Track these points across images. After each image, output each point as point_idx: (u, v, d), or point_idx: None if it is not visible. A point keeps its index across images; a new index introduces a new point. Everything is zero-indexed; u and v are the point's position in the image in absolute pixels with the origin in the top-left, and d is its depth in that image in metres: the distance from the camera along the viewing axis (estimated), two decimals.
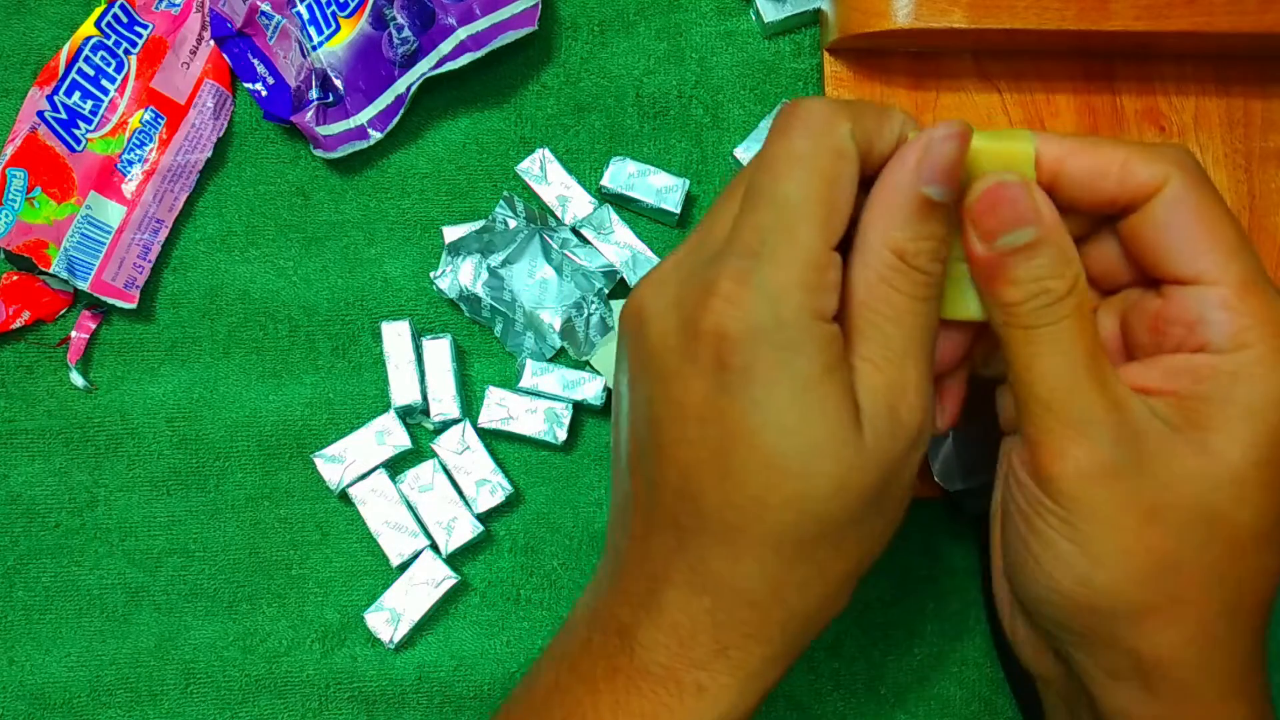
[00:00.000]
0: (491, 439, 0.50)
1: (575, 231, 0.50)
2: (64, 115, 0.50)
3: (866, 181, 0.32)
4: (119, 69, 0.50)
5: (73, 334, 0.50)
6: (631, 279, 0.49)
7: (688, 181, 0.50)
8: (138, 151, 0.50)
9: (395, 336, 0.49)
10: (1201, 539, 0.31)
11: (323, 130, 0.49)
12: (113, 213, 0.50)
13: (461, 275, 0.49)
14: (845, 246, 0.32)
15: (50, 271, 0.48)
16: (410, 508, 0.49)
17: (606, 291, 0.49)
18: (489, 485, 0.48)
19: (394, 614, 0.48)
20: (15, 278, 0.50)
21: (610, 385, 0.49)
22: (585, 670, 0.35)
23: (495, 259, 0.49)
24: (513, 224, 0.50)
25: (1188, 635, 0.32)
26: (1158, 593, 0.32)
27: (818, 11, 0.51)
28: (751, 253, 0.31)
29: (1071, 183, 0.32)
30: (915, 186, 0.31)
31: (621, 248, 0.49)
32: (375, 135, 0.50)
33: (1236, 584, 0.32)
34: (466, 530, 0.48)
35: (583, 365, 0.50)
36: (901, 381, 0.31)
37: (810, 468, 0.31)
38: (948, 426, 0.35)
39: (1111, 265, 0.34)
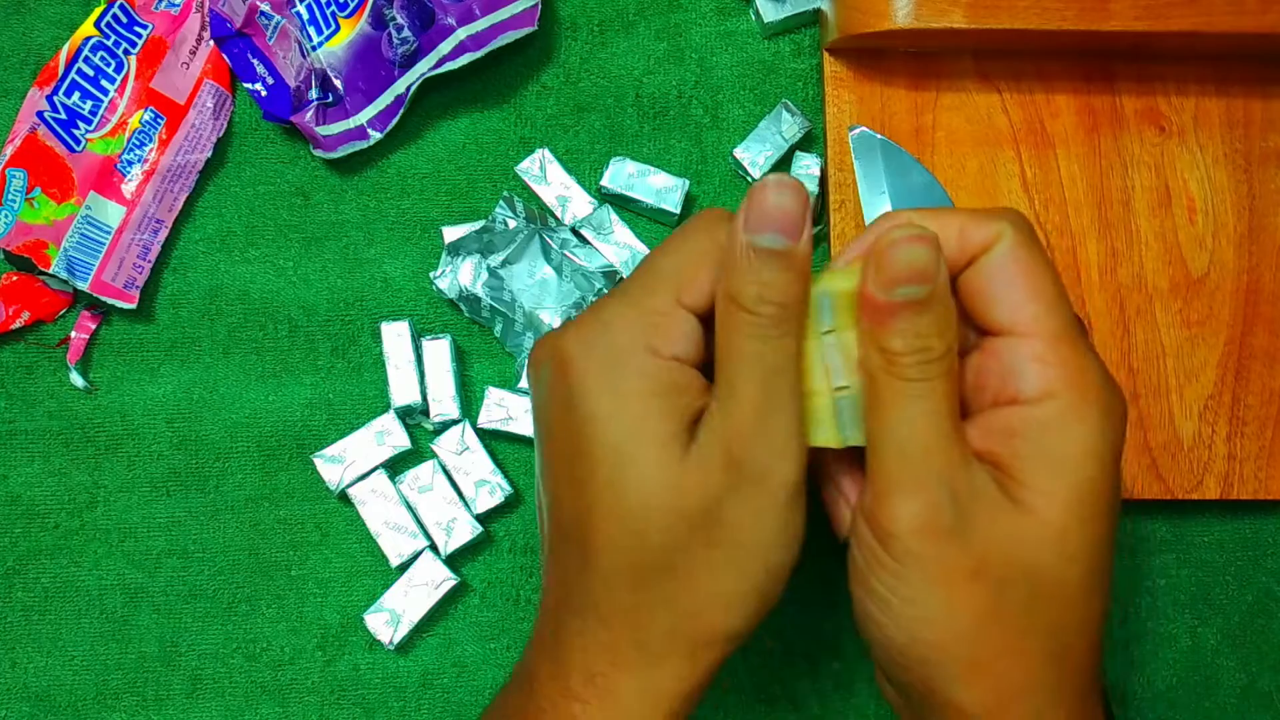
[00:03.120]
0: (491, 439, 0.50)
1: (575, 231, 0.50)
2: (64, 115, 0.50)
3: None
4: (119, 69, 0.50)
5: (72, 334, 0.50)
6: None
7: (687, 181, 0.50)
8: (137, 151, 0.50)
9: (395, 337, 0.49)
10: (1026, 596, 0.32)
11: (322, 130, 0.49)
12: (112, 213, 0.49)
13: (461, 275, 0.49)
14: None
15: (50, 272, 0.48)
16: (410, 508, 0.48)
17: (606, 292, 0.49)
18: (488, 486, 0.48)
19: (394, 615, 0.48)
20: (15, 278, 0.50)
21: None
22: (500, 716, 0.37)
23: (495, 259, 0.49)
24: (512, 224, 0.50)
25: (1014, 688, 0.33)
26: (981, 648, 0.33)
27: (818, 11, 0.51)
28: (612, 294, 0.35)
29: None
30: (740, 236, 0.32)
31: (621, 248, 0.49)
32: (375, 135, 0.50)
33: (1063, 634, 0.33)
34: (466, 531, 0.48)
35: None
36: (739, 421, 0.32)
37: (623, 480, 0.33)
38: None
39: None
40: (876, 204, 0.47)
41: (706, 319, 0.34)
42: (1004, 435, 0.32)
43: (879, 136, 0.48)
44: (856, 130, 0.48)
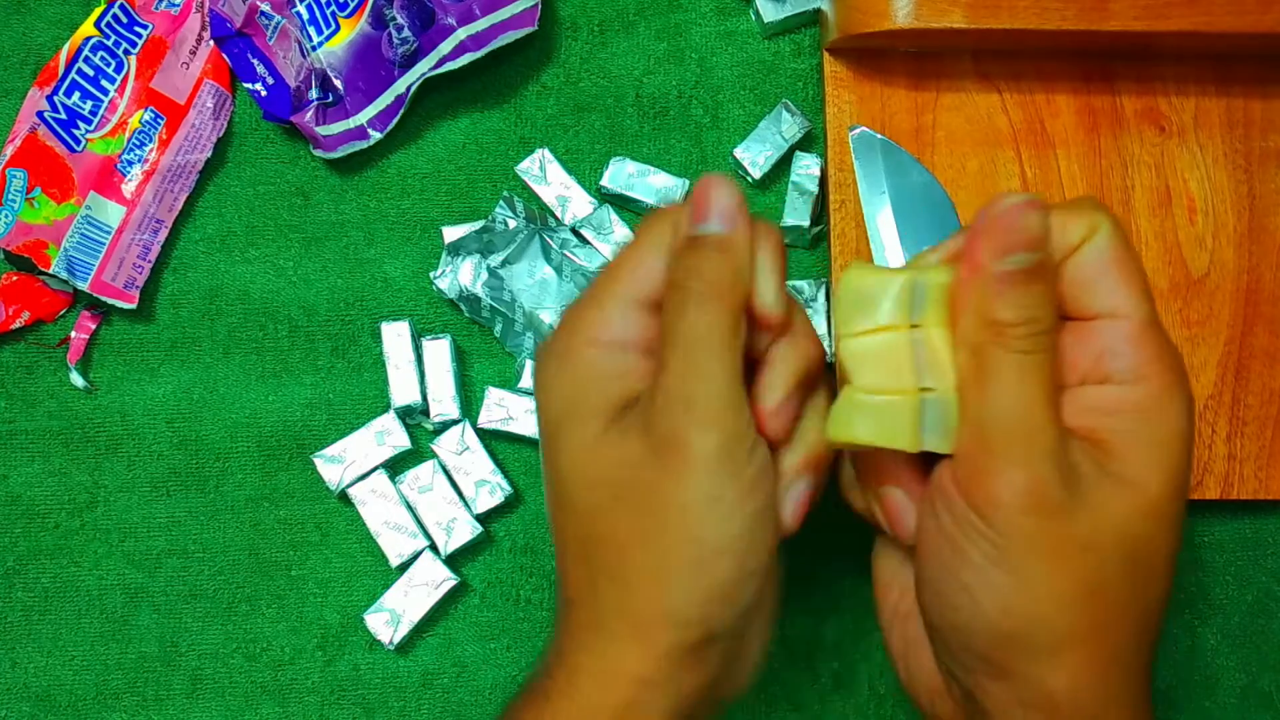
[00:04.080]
0: (491, 439, 0.50)
1: (575, 231, 0.50)
2: (64, 115, 0.50)
3: None
4: (119, 69, 0.50)
5: (73, 334, 0.50)
6: None
7: (687, 182, 0.50)
8: (137, 151, 0.50)
9: (395, 337, 0.49)
10: (1124, 569, 0.33)
11: (323, 130, 0.49)
12: (112, 213, 0.49)
13: (461, 275, 0.49)
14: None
15: (50, 272, 0.48)
16: (410, 508, 0.48)
17: None
18: (488, 486, 0.48)
19: (394, 615, 0.48)
20: (15, 278, 0.50)
21: None
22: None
23: (495, 259, 0.49)
24: (512, 224, 0.50)
25: (1102, 664, 0.33)
26: (1080, 622, 0.33)
27: (818, 11, 0.51)
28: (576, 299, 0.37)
29: None
30: (682, 229, 0.35)
31: (621, 248, 0.49)
32: (375, 135, 0.50)
33: (1148, 609, 0.34)
34: (466, 531, 0.48)
35: None
36: (662, 390, 0.33)
37: (559, 454, 0.35)
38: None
39: None
40: (876, 204, 0.47)
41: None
42: (1100, 413, 0.33)
43: (879, 136, 0.48)
44: (856, 130, 0.48)
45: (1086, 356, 0.33)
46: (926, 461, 0.34)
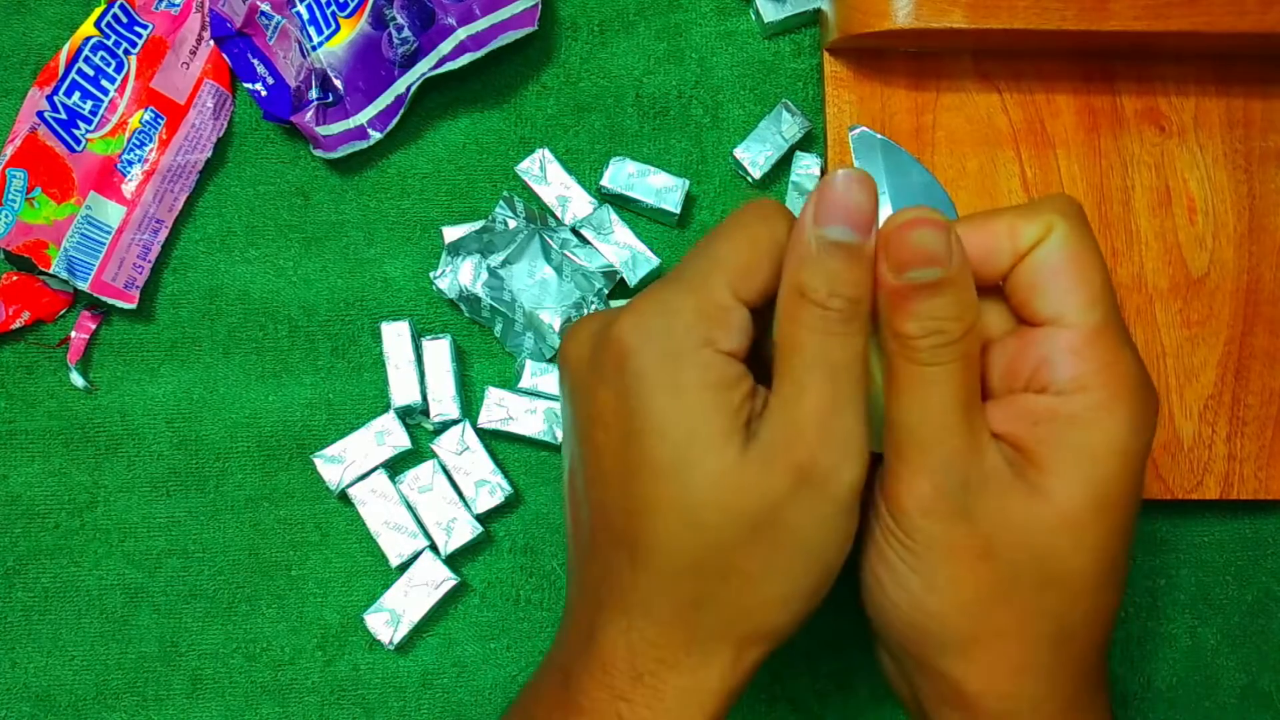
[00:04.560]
0: (491, 439, 0.50)
1: (575, 231, 0.50)
2: (64, 115, 0.50)
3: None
4: (119, 69, 0.50)
5: (73, 334, 0.50)
6: (632, 279, 0.49)
7: (687, 181, 0.50)
8: (137, 151, 0.50)
9: (395, 337, 0.49)
10: (1034, 580, 0.33)
11: (323, 130, 0.49)
12: (112, 213, 0.49)
13: (461, 275, 0.49)
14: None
15: (50, 272, 0.48)
16: (410, 508, 0.48)
17: (606, 292, 0.49)
18: (488, 486, 0.48)
19: (394, 615, 0.48)
20: (15, 278, 0.50)
21: None
22: (530, 714, 0.37)
23: (495, 259, 0.49)
24: (512, 224, 0.50)
25: (1011, 668, 0.33)
26: (983, 625, 0.33)
27: (818, 11, 0.51)
28: (668, 280, 0.34)
29: (973, 262, 0.34)
30: (810, 227, 0.32)
31: (621, 248, 0.49)
32: (375, 135, 0.50)
33: (1067, 623, 0.33)
34: (466, 531, 0.48)
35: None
36: (805, 421, 0.32)
37: (684, 475, 0.32)
38: None
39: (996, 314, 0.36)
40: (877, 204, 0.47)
41: (756, 312, 0.34)
42: (1030, 421, 0.33)
43: (879, 136, 0.48)
44: (856, 130, 0.48)
45: (1029, 363, 0.33)
46: None
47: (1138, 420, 0.32)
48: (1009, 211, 0.34)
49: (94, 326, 0.50)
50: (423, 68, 0.49)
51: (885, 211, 0.47)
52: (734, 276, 0.33)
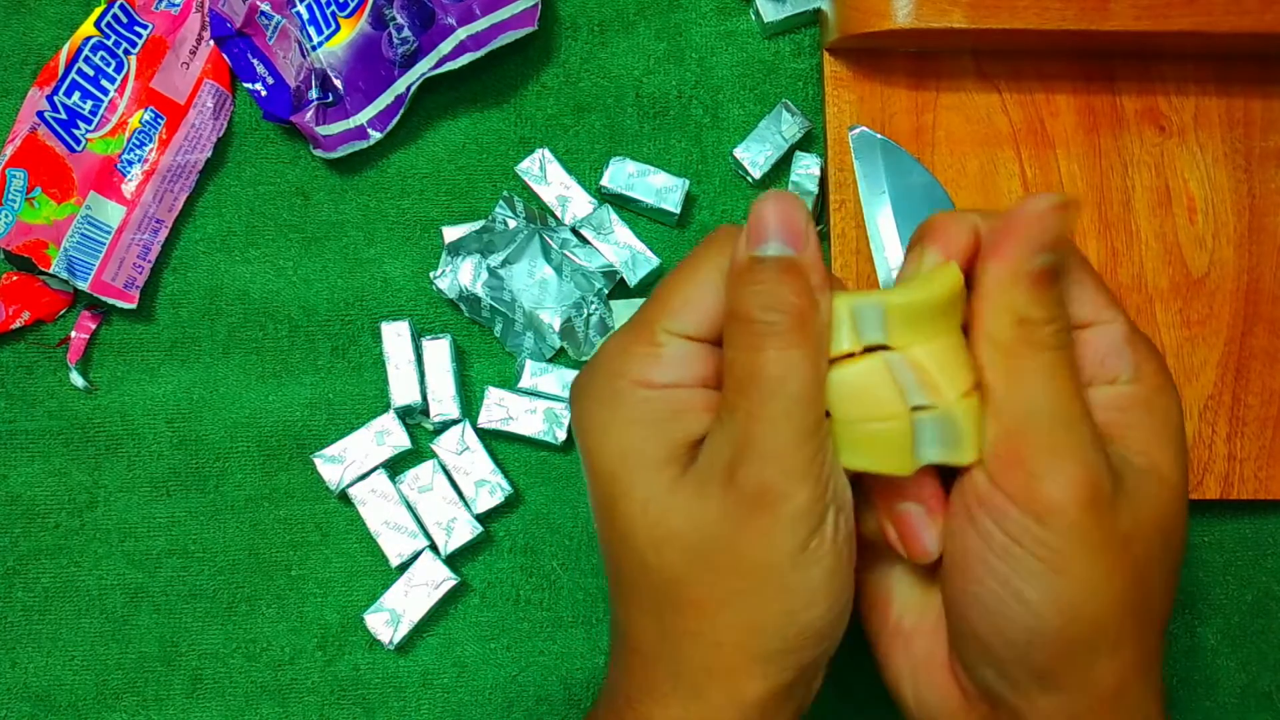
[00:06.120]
0: (491, 439, 0.50)
1: (575, 231, 0.50)
2: (64, 115, 0.50)
3: None
4: (119, 69, 0.50)
5: (73, 334, 0.50)
6: (631, 279, 0.49)
7: (687, 181, 0.50)
8: (137, 151, 0.50)
9: (395, 337, 0.49)
10: (1161, 556, 0.33)
11: (322, 130, 0.49)
12: (112, 213, 0.49)
13: (461, 275, 0.49)
14: None
15: (50, 271, 0.48)
16: (410, 508, 0.48)
17: (606, 291, 0.49)
18: (488, 486, 0.48)
19: (394, 615, 0.48)
20: (15, 278, 0.50)
21: None
22: None
23: (495, 259, 0.49)
24: (512, 224, 0.50)
25: (1147, 660, 0.33)
26: (1132, 616, 0.32)
27: (818, 11, 0.51)
28: (617, 330, 0.35)
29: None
30: (742, 251, 0.32)
31: (621, 248, 0.49)
32: (375, 135, 0.50)
33: (1168, 601, 0.34)
34: (466, 531, 0.48)
35: (582, 365, 0.50)
36: (740, 439, 0.31)
37: (624, 512, 0.32)
38: (938, 549, 0.34)
39: None
40: (876, 204, 0.47)
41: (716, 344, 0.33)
42: (1114, 409, 0.33)
43: (879, 136, 0.48)
44: (856, 130, 0.48)
45: (1093, 359, 0.34)
46: (944, 476, 0.34)
47: (1179, 399, 0.35)
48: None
49: (94, 326, 0.50)
50: (423, 68, 0.49)
51: (886, 211, 0.47)
52: (666, 314, 0.33)
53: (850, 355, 0.32)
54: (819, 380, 0.31)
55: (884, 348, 0.32)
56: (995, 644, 0.33)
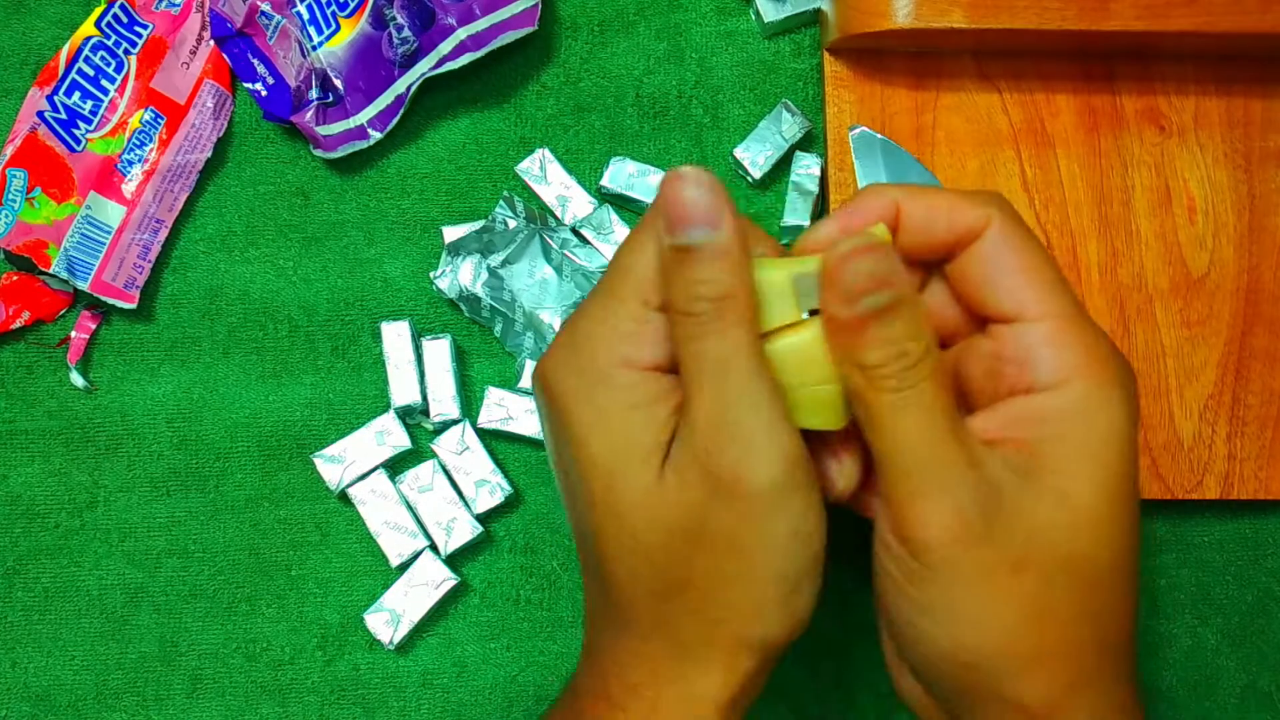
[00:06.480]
0: (491, 439, 0.50)
1: (575, 231, 0.50)
2: (64, 115, 0.50)
3: None
4: (119, 69, 0.50)
5: (73, 334, 0.50)
6: None
7: None
8: (138, 151, 0.50)
9: (395, 337, 0.49)
10: (1067, 584, 0.32)
11: (323, 130, 0.49)
12: (113, 213, 0.50)
13: (461, 275, 0.49)
14: None
15: (50, 271, 0.48)
16: (410, 508, 0.48)
17: None
18: (488, 486, 0.48)
19: (394, 615, 0.48)
20: (15, 278, 0.50)
21: None
22: None
23: (495, 259, 0.49)
24: (512, 224, 0.50)
25: (1069, 680, 0.32)
26: (1033, 644, 0.32)
27: (818, 11, 0.51)
28: (584, 305, 0.34)
29: (908, 229, 0.34)
30: (663, 241, 0.31)
31: (620, 247, 0.49)
32: (375, 135, 0.50)
33: (1104, 622, 0.33)
34: (466, 531, 0.48)
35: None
36: (701, 426, 0.31)
37: (615, 500, 0.32)
38: (848, 488, 0.35)
39: (942, 316, 0.35)
40: None
41: None
42: (1028, 423, 0.32)
43: (879, 136, 0.48)
44: (856, 130, 0.48)
45: (1009, 365, 0.32)
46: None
47: (1128, 401, 0.32)
48: (950, 192, 0.34)
49: (94, 326, 0.50)
50: (423, 68, 0.49)
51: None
52: (644, 285, 0.32)
53: (792, 325, 0.32)
54: (761, 352, 0.32)
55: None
56: (916, 663, 0.34)
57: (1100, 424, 0.31)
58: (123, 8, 0.50)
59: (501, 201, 0.50)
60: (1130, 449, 0.32)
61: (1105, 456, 0.31)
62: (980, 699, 0.33)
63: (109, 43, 0.50)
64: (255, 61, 0.51)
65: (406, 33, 0.49)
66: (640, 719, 0.34)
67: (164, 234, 0.50)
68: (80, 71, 0.50)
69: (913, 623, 0.33)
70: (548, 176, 0.50)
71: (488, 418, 0.49)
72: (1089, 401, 0.31)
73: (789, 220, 0.49)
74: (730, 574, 0.32)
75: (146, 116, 0.50)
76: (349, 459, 0.48)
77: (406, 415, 0.49)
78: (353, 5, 0.49)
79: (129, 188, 0.50)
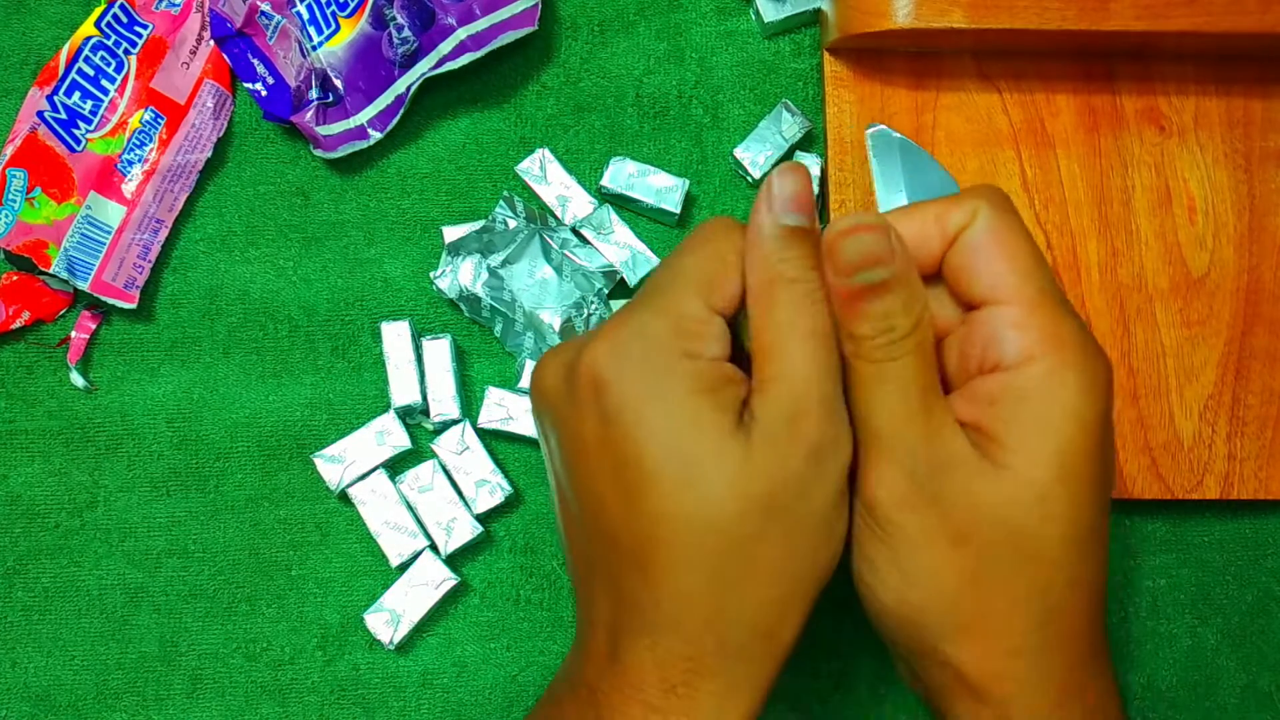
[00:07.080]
0: (491, 439, 0.50)
1: (575, 231, 0.50)
2: (64, 115, 0.50)
3: None
4: (119, 69, 0.50)
5: (73, 334, 0.50)
6: (632, 279, 0.49)
7: (688, 181, 0.50)
8: (138, 151, 0.50)
9: (395, 337, 0.49)
10: (1010, 558, 0.33)
11: (323, 130, 0.49)
12: (113, 213, 0.50)
13: (461, 275, 0.49)
14: None
15: (50, 271, 0.48)
16: (410, 508, 0.48)
17: (606, 292, 0.49)
18: (488, 486, 0.48)
19: (394, 615, 0.48)
20: (15, 278, 0.50)
21: None
22: None
23: (495, 259, 0.49)
24: (513, 224, 0.50)
25: (1004, 649, 0.34)
26: (968, 610, 0.34)
27: (818, 11, 0.51)
28: (636, 304, 0.35)
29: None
30: (767, 220, 0.34)
31: (621, 248, 0.49)
32: (375, 135, 0.50)
33: (1050, 598, 0.34)
34: (466, 531, 0.48)
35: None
36: (800, 393, 0.33)
37: (693, 477, 0.32)
38: None
39: (942, 311, 0.36)
40: (893, 203, 0.47)
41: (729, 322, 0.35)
42: (987, 402, 0.33)
43: (898, 135, 0.48)
44: (874, 128, 0.48)
45: (978, 346, 0.34)
46: None
47: (1088, 384, 0.33)
48: (937, 201, 0.35)
49: (94, 326, 0.50)
50: (423, 68, 0.49)
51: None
52: (704, 288, 0.34)
53: None
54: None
55: None
56: (871, 617, 0.37)
57: (1055, 403, 0.33)
58: (123, 8, 0.51)
59: (501, 201, 0.50)
60: (1085, 429, 0.33)
61: (1059, 435, 0.32)
62: (925, 658, 0.35)
63: (109, 43, 0.50)
64: (255, 61, 0.51)
65: (406, 33, 0.49)
66: (680, 716, 0.34)
67: (164, 234, 0.50)
68: (80, 71, 0.50)
69: (862, 577, 0.35)
70: (548, 176, 0.50)
71: (488, 418, 0.49)
72: (1047, 381, 0.33)
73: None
74: (796, 547, 0.33)
75: (146, 116, 0.50)
76: (349, 459, 0.48)
77: (406, 415, 0.49)
78: (353, 5, 0.49)
79: (129, 188, 0.50)
